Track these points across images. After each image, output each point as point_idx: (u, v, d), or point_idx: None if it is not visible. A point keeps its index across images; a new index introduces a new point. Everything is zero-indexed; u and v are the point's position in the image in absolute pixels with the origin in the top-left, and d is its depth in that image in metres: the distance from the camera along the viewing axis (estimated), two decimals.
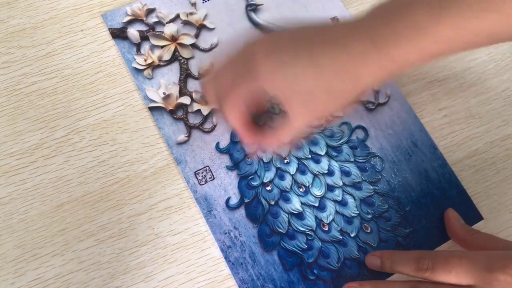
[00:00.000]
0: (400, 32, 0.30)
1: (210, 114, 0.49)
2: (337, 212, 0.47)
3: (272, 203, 0.47)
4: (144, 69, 0.49)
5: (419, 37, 0.30)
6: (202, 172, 0.46)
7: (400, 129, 0.51)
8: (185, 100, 0.49)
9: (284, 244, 0.46)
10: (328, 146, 0.50)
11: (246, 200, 0.46)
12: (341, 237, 0.47)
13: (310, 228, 0.47)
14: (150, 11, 0.52)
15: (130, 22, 0.52)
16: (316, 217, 0.47)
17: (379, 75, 0.32)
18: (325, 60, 0.32)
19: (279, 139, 0.38)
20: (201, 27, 0.52)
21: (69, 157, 0.47)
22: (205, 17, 0.53)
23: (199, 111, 0.49)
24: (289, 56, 0.33)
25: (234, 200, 0.46)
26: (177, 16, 0.52)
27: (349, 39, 0.32)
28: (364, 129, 0.51)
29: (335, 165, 0.49)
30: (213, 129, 0.49)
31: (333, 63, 0.32)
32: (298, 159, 0.49)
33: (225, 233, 0.46)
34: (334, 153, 0.50)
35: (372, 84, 0.34)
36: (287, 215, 0.47)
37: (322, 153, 0.49)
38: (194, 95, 0.50)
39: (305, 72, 0.33)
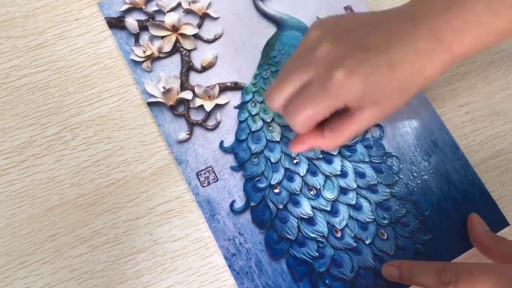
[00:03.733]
0: (460, 27, 0.33)
1: (213, 110, 0.46)
2: (350, 217, 0.44)
3: (281, 207, 0.44)
4: (143, 62, 0.46)
5: (479, 31, 0.32)
6: (205, 173, 0.44)
7: (418, 127, 0.48)
8: (187, 95, 0.46)
9: (293, 251, 0.42)
10: None
11: (252, 204, 0.43)
12: (355, 244, 0.43)
13: (321, 235, 0.43)
14: None
15: (128, 11, 0.48)
16: (328, 223, 0.44)
17: (440, 68, 0.34)
18: (397, 60, 0.33)
19: (340, 137, 0.38)
20: (204, 16, 0.49)
21: (61, 157, 0.44)
22: (209, 5, 0.49)
23: (201, 107, 0.46)
24: (364, 59, 0.34)
25: (239, 204, 0.43)
26: (179, 5, 0.49)
27: (413, 34, 0.34)
28: (379, 127, 0.47)
29: (349, 166, 0.46)
30: (216, 126, 0.46)
31: (405, 60, 0.33)
32: (309, 159, 0.46)
33: (229, 240, 0.42)
34: (347, 153, 0.46)
35: (435, 77, 0.35)
36: (296, 220, 0.44)
37: (335, 152, 0.46)
38: (196, 90, 0.46)
39: (379, 72, 0.33)
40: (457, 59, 0.34)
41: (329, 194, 0.45)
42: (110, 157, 0.44)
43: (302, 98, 0.36)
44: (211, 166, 0.44)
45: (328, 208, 0.44)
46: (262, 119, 0.46)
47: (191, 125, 0.45)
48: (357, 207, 0.44)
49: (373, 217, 0.44)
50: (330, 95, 0.34)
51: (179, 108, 0.46)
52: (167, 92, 0.45)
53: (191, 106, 0.46)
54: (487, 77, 0.51)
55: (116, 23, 0.48)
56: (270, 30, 0.50)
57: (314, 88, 0.35)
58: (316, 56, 0.36)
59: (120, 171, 0.44)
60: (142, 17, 0.48)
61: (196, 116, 0.46)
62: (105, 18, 0.48)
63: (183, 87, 0.46)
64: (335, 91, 0.34)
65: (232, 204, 0.43)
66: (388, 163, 0.46)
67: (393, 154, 0.47)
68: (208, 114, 0.46)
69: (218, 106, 0.46)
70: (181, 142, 0.45)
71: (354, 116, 0.36)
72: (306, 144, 0.39)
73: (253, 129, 0.46)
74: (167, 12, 0.48)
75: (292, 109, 0.36)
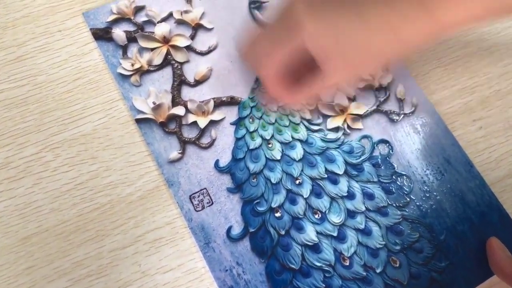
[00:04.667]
0: None
1: (207, 127, 0.43)
2: (359, 243, 0.40)
3: (283, 232, 0.40)
4: (131, 75, 0.44)
5: (467, 0, 0.29)
6: (199, 196, 0.41)
7: (429, 143, 0.44)
8: (179, 110, 0.43)
9: (297, 283, 0.39)
10: (347, 163, 0.43)
11: (251, 230, 0.40)
12: (365, 274, 0.40)
13: (328, 263, 0.40)
14: (139, 9, 0.46)
15: (116, 22, 0.45)
16: (335, 250, 0.40)
17: (423, 36, 0.31)
18: (372, 15, 0.31)
19: (307, 94, 0.37)
20: (197, 27, 0.46)
21: (40, 179, 0.40)
22: (202, 15, 0.47)
23: (195, 123, 0.43)
24: (334, 10, 0.32)
25: (236, 230, 0.40)
26: (170, 15, 0.46)
27: None
28: (388, 143, 0.44)
29: (356, 187, 0.42)
30: (211, 144, 0.42)
31: (380, 19, 0.31)
32: (312, 179, 0.42)
33: (226, 270, 0.38)
34: (354, 172, 0.43)
35: (416, 45, 0.32)
36: (300, 248, 0.40)
37: (340, 172, 0.42)
38: (189, 105, 0.43)
39: (350, 27, 0.32)
40: (446, 31, 0.32)
41: (336, 218, 0.41)
42: (94, 179, 0.41)
43: (265, 41, 0.35)
44: (205, 188, 0.41)
45: (335, 234, 0.40)
46: (261, 136, 0.43)
47: (184, 143, 0.42)
48: (366, 232, 0.41)
49: (384, 242, 0.41)
50: (292, 38, 0.33)
51: (170, 125, 0.43)
52: (157, 107, 0.42)
53: (184, 122, 0.43)
54: (500, 90, 0.48)
55: (102, 35, 0.45)
56: None
57: (278, 30, 0.34)
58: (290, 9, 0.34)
59: (105, 195, 0.40)
60: (131, 28, 0.45)
61: (189, 134, 0.42)
62: (91, 29, 0.45)
63: (174, 102, 0.43)
64: (298, 34, 0.33)
65: (229, 231, 0.40)
66: (398, 183, 0.43)
67: (403, 173, 0.43)
68: (202, 131, 0.43)
69: (213, 123, 0.43)
70: (172, 162, 0.41)
71: (322, 72, 0.34)
72: (272, 95, 0.38)
73: (251, 147, 0.43)
74: (158, 22, 0.46)
75: (256, 53, 0.36)
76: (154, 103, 0.42)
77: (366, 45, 0.32)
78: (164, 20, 0.46)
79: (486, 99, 0.47)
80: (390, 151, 0.44)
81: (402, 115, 0.45)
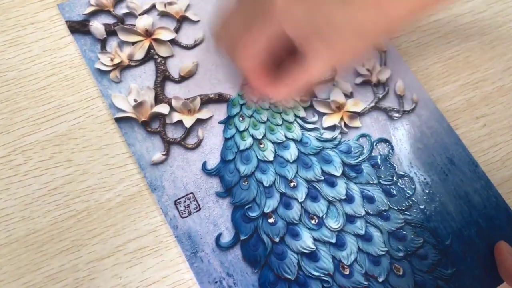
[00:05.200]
0: None
1: (194, 126, 0.40)
2: (360, 249, 0.38)
3: (277, 240, 0.37)
4: (110, 71, 0.41)
5: None
6: (185, 201, 0.38)
7: (431, 142, 0.42)
8: (163, 108, 0.40)
9: None
10: (344, 164, 0.40)
11: (243, 237, 0.37)
12: (366, 283, 0.37)
13: (326, 272, 0.37)
14: (119, 1, 0.43)
15: (94, 14, 0.43)
16: (333, 258, 0.37)
17: (411, 7, 0.29)
18: None
19: (292, 85, 0.34)
20: (182, 20, 0.44)
21: (9, 184, 0.37)
22: (188, 7, 0.44)
23: (180, 122, 0.40)
24: None
25: (226, 238, 0.37)
26: (153, 7, 0.43)
27: None
28: (388, 142, 0.41)
29: (355, 189, 0.39)
30: (198, 145, 0.40)
31: None
32: (308, 181, 0.39)
33: (216, 282, 0.35)
34: (352, 174, 0.40)
35: (404, 19, 0.29)
36: (296, 256, 0.37)
37: (338, 173, 0.40)
38: (173, 103, 0.40)
39: (331, 6, 0.29)
40: (436, 2, 0.30)
41: (334, 223, 0.38)
42: (70, 184, 0.37)
43: (237, 21, 0.33)
44: (192, 193, 0.38)
45: (333, 240, 0.38)
46: (252, 136, 0.40)
47: (168, 144, 0.39)
48: (366, 238, 0.38)
49: (386, 249, 0.38)
50: (269, 23, 0.31)
51: (153, 125, 0.40)
52: (139, 105, 0.39)
53: (168, 121, 0.40)
54: (503, 85, 0.45)
55: (79, 28, 0.42)
56: None
57: (249, 6, 0.32)
58: None
59: (82, 201, 0.37)
60: (110, 20, 0.43)
61: (173, 134, 0.40)
62: (66, 21, 0.42)
63: (158, 100, 0.40)
64: (274, 17, 0.30)
65: (218, 238, 0.37)
66: (400, 185, 0.40)
67: (405, 174, 0.40)
68: (188, 131, 0.40)
69: (199, 122, 0.40)
70: (155, 164, 0.38)
71: (304, 60, 0.31)
72: (256, 90, 0.35)
73: (241, 148, 0.40)
74: (139, 15, 0.43)
75: (229, 36, 0.34)
76: (135, 100, 0.39)
77: (348, 23, 0.29)
78: (146, 12, 0.43)
79: (489, 95, 0.45)
80: (390, 150, 0.41)
81: (402, 112, 0.42)
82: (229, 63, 0.42)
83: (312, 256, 0.37)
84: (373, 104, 0.42)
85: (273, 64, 0.34)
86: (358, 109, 0.42)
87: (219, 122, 0.40)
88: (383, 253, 0.38)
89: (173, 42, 0.42)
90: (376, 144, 0.41)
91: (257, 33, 0.31)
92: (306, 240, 0.37)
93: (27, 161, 0.37)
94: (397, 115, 0.42)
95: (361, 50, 0.31)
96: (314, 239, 0.37)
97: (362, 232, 0.38)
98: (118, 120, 0.39)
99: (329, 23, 0.29)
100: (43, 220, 0.36)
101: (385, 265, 0.37)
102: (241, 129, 0.40)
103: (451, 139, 0.42)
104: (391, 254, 0.38)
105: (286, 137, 0.40)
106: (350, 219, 0.38)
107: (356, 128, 0.42)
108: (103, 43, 0.41)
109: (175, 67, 0.42)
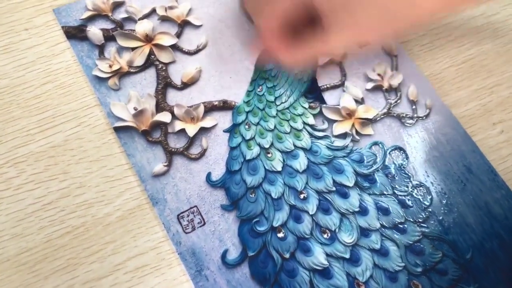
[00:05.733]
0: None
1: (197, 135, 0.39)
2: (375, 265, 0.36)
3: (287, 256, 0.35)
4: (109, 78, 0.40)
5: None
6: (188, 215, 0.36)
7: (447, 150, 0.40)
8: (164, 117, 0.38)
9: None
10: (357, 174, 0.38)
11: (251, 253, 0.36)
12: None
13: None
14: (118, 5, 0.42)
15: (91, 19, 0.42)
16: (348, 274, 0.35)
17: (445, 2, 0.29)
18: None
19: (307, 53, 0.34)
20: (184, 24, 0.42)
21: (0, 199, 0.35)
22: (189, 11, 0.43)
23: (182, 131, 0.39)
24: None
25: (233, 254, 0.36)
26: (153, 11, 0.43)
27: None
28: (402, 150, 0.39)
29: (369, 201, 0.38)
30: (202, 155, 0.38)
31: None
32: (319, 193, 0.38)
33: None
34: (365, 184, 0.38)
35: (435, 13, 0.30)
36: (308, 273, 0.35)
37: (350, 184, 0.38)
38: (176, 111, 0.39)
39: None
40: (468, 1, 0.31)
41: (347, 237, 0.36)
42: (66, 198, 0.36)
43: None
44: (196, 206, 0.37)
45: (347, 256, 0.36)
46: (259, 145, 0.39)
47: (170, 154, 0.38)
48: (382, 253, 0.36)
49: (403, 264, 0.36)
50: None
51: (154, 134, 0.39)
52: (139, 114, 0.38)
53: (170, 130, 0.39)
54: None
55: (75, 33, 0.41)
56: None
57: None
58: None
59: (78, 216, 0.36)
60: (108, 25, 0.42)
61: (176, 143, 0.39)
62: (62, 27, 0.41)
63: (159, 108, 0.39)
64: None
65: (224, 255, 0.36)
66: (416, 195, 0.38)
67: (421, 183, 0.38)
68: (191, 140, 0.39)
69: (203, 130, 0.39)
70: (157, 176, 0.37)
71: (325, 30, 0.32)
72: (267, 47, 0.36)
73: (248, 157, 0.38)
74: (139, 19, 0.42)
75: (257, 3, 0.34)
76: (135, 108, 0.38)
77: (378, 8, 0.30)
78: (146, 16, 0.42)
79: (506, 100, 0.43)
80: (405, 159, 0.39)
81: (416, 119, 0.41)
82: (234, 68, 0.40)
83: (325, 273, 0.35)
84: (385, 110, 0.40)
85: (289, 32, 0.34)
86: (370, 115, 0.40)
87: (224, 131, 0.39)
88: (400, 268, 0.36)
89: (175, 47, 0.41)
90: (389, 153, 0.39)
91: None
92: (318, 256, 0.35)
93: (20, 174, 0.36)
94: (410, 121, 0.40)
95: (384, 33, 0.32)
96: (327, 255, 0.36)
97: (377, 246, 0.36)
98: (117, 130, 0.38)
99: (356, 1, 0.30)
100: (36, 238, 0.35)
101: (402, 282, 0.35)
102: (247, 137, 0.39)
103: (468, 146, 0.40)
104: (409, 270, 0.36)
105: (295, 145, 0.39)
106: (364, 232, 0.37)
107: (368, 135, 0.40)
108: (101, 49, 0.40)
109: (177, 74, 0.41)
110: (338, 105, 0.40)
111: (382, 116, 0.40)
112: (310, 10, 0.32)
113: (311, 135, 0.39)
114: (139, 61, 0.40)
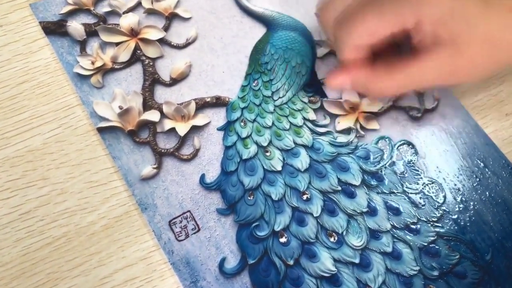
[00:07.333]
0: None
1: (189, 134, 0.37)
2: (388, 270, 0.34)
3: (291, 262, 0.34)
4: (91, 75, 0.38)
5: None
6: (181, 221, 0.35)
7: (459, 143, 0.38)
8: (152, 115, 0.37)
9: None
10: (363, 172, 0.36)
11: (251, 261, 0.34)
12: None
13: None
14: None
15: (72, 13, 0.40)
16: (358, 281, 0.33)
17: None
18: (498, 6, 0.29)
19: (399, 80, 0.32)
20: (172, 17, 0.41)
21: None
22: (177, 3, 0.41)
23: (172, 130, 0.37)
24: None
25: (231, 262, 0.34)
26: (139, 4, 0.41)
27: None
28: (411, 145, 0.38)
29: (377, 200, 0.36)
30: (194, 155, 0.37)
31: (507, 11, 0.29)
32: (323, 193, 0.36)
33: None
34: (373, 182, 0.36)
35: None
36: (314, 281, 0.33)
37: (357, 182, 0.36)
38: (164, 108, 0.37)
39: (476, 12, 0.29)
40: None
41: (356, 240, 0.34)
42: (45, 206, 0.35)
43: (363, 5, 0.31)
44: (189, 211, 0.35)
45: (357, 260, 0.34)
46: (256, 143, 0.37)
47: (159, 155, 0.37)
48: (395, 256, 0.34)
49: (417, 267, 0.34)
50: (404, 4, 0.29)
51: (141, 134, 0.38)
52: (124, 113, 0.36)
53: (159, 130, 0.38)
54: None
55: (54, 29, 0.40)
56: (257, 30, 0.41)
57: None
58: None
59: (60, 226, 0.34)
60: (90, 20, 0.40)
61: (165, 144, 0.38)
62: (40, 22, 0.40)
63: (146, 106, 0.38)
64: (415, 3, 0.29)
65: (222, 264, 0.34)
66: (428, 193, 0.36)
67: (433, 180, 0.36)
68: (182, 140, 0.37)
69: (195, 129, 0.38)
70: (145, 179, 0.36)
71: (422, 53, 0.30)
72: (350, 73, 0.33)
73: (244, 157, 0.37)
74: (124, 13, 0.41)
75: (348, 18, 0.31)
76: (120, 107, 0.37)
77: (480, 33, 0.29)
78: (131, 10, 0.41)
79: None
80: (414, 154, 0.37)
81: (423, 111, 0.39)
82: (228, 61, 0.38)
83: (333, 280, 0.34)
84: (390, 103, 0.39)
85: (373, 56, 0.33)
86: (375, 109, 0.38)
87: (217, 129, 0.38)
88: (415, 272, 0.34)
89: (162, 41, 0.40)
90: (397, 148, 0.37)
91: (385, 16, 0.30)
92: (325, 262, 0.34)
93: None
94: (418, 114, 0.38)
95: (480, 71, 0.31)
96: (335, 260, 0.34)
97: (389, 249, 0.34)
98: (101, 130, 0.37)
99: (465, 20, 0.29)
100: (12, 251, 0.33)
101: (418, 287, 0.33)
102: (243, 135, 0.37)
103: (481, 139, 0.38)
104: (425, 274, 0.34)
105: (295, 143, 0.37)
106: (374, 234, 0.35)
107: (374, 130, 0.38)
108: (82, 44, 0.39)
109: (165, 69, 0.39)
110: (340, 98, 0.38)
111: (388, 109, 0.38)
112: (393, 35, 0.30)
113: (312, 131, 0.37)
114: (124, 56, 0.38)
